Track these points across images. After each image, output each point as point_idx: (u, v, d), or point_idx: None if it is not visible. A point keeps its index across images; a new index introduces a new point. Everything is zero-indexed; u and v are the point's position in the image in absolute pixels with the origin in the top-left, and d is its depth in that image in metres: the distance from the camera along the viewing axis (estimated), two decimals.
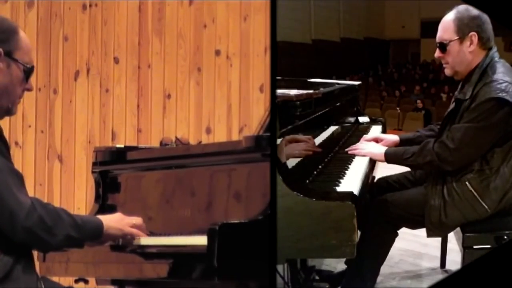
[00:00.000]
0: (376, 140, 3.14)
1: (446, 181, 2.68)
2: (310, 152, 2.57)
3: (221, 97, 3.66)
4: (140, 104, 3.88)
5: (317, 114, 2.75)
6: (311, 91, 2.75)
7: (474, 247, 2.67)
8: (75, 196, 4.04)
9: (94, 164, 2.83)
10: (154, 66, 3.85)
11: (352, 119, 4.05)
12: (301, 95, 2.51)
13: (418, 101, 13.47)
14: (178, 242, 2.25)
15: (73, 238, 2.08)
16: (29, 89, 2.22)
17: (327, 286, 3.25)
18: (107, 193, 2.78)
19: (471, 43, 2.70)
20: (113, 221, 2.24)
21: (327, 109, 3.02)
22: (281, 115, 2.21)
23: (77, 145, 4.05)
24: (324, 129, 3.01)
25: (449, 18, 2.75)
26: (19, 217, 1.98)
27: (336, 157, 2.93)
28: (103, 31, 3.98)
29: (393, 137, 3.16)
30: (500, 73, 2.62)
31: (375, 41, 20.61)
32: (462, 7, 2.75)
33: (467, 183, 2.64)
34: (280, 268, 2.60)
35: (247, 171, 2.30)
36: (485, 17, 2.71)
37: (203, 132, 3.70)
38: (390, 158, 2.85)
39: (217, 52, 3.68)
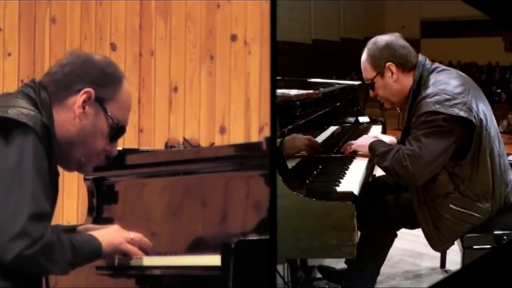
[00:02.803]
0: None
1: (431, 209, 2.65)
2: (311, 152, 2.57)
3: (237, 90, 3.17)
4: (141, 98, 3.38)
5: (317, 114, 2.76)
6: (311, 91, 2.75)
7: (474, 247, 2.67)
8: (64, 207, 3.47)
9: None
10: (158, 53, 3.35)
11: (352, 119, 4.06)
12: (301, 95, 2.52)
13: None
14: (186, 262, 1.93)
15: (72, 264, 1.77)
16: (111, 153, 1.90)
17: (327, 286, 3.26)
18: (102, 204, 2.45)
19: (392, 73, 2.71)
20: (107, 237, 1.89)
21: (327, 109, 3.02)
22: (281, 115, 2.21)
23: None
24: (324, 129, 3.01)
25: (363, 58, 2.78)
26: (20, 243, 1.62)
27: (336, 157, 2.93)
28: (98, 12, 3.45)
29: (391, 139, 3.15)
30: (431, 86, 2.59)
31: None
32: (371, 42, 2.78)
33: (451, 205, 2.61)
34: (280, 268, 2.60)
35: (268, 178, 2.01)
36: (395, 42, 2.73)
37: (216, 132, 3.24)
38: (370, 151, 2.79)
39: (233, 37, 3.19)
